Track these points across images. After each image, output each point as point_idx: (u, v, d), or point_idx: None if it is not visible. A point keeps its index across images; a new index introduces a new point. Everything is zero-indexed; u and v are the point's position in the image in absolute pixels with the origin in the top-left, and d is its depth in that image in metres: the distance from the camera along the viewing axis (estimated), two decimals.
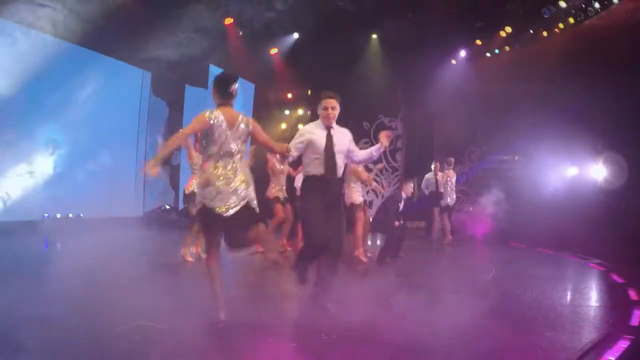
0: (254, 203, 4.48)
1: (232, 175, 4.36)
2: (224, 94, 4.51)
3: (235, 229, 4.40)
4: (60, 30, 10.84)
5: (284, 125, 16.68)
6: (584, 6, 13.33)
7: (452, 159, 12.23)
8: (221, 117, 4.36)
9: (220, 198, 4.30)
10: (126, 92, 13.08)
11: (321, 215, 4.95)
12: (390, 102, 16.47)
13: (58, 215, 11.32)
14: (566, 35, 13.82)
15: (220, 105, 4.49)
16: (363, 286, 6.65)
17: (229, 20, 13.14)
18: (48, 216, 11.11)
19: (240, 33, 13.74)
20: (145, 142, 13.72)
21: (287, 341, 4.32)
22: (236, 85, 4.55)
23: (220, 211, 4.29)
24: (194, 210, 4.93)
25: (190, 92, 14.56)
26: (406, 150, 16.70)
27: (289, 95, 17.05)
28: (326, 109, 5.11)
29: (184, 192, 8.62)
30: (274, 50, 15.11)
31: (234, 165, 4.41)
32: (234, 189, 4.35)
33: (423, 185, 12.26)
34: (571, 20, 13.76)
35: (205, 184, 4.35)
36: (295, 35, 15.01)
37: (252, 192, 4.48)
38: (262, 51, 14.88)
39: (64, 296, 5.46)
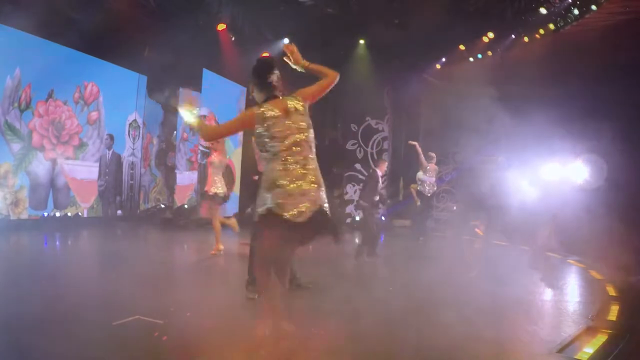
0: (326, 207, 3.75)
1: (300, 173, 3.70)
2: (263, 86, 4.00)
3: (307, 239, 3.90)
4: (58, 35, 10.98)
5: None
6: (563, 12, 13.78)
7: (433, 154, 12.73)
8: (272, 109, 3.80)
9: (290, 202, 3.61)
10: (123, 95, 13.37)
11: None
12: (377, 105, 16.75)
13: (57, 214, 11.66)
14: (547, 40, 14.26)
15: (265, 100, 3.93)
16: (344, 281, 6.81)
17: (221, 26, 13.40)
18: (47, 214, 11.41)
19: (233, 38, 14.06)
20: (141, 143, 14.08)
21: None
22: (275, 73, 4.03)
23: (290, 216, 3.58)
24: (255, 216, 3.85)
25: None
26: (392, 151, 17.12)
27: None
28: None
29: (205, 192, 8.90)
30: (265, 55, 15.36)
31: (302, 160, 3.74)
32: (304, 191, 3.65)
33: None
34: (551, 26, 14.19)
35: (272, 185, 3.67)
36: (286, 40, 15.31)
37: (323, 195, 3.76)
38: (254, 55, 15.09)
39: (63, 292, 5.52)
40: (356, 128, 16.86)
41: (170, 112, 14.55)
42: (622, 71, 11.82)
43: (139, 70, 13.50)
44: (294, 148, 3.71)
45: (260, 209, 3.70)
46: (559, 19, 13.78)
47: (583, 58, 12.61)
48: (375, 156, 16.48)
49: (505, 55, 15.20)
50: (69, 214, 11.85)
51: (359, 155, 16.85)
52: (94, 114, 12.55)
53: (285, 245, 3.79)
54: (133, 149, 13.83)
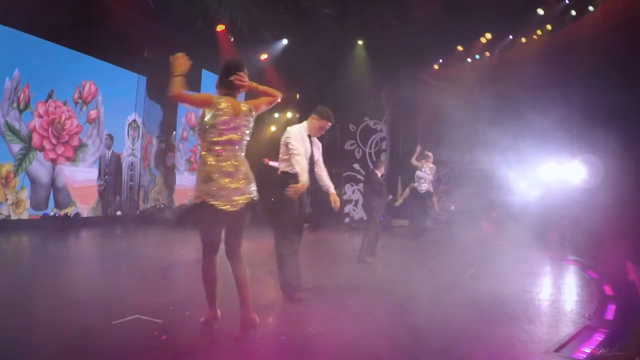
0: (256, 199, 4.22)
1: (233, 170, 4.13)
2: (224, 83, 4.30)
3: (237, 229, 4.23)
4: (57, 35, 11.05)
5: (273, 128, 17.01)
6: (561, 14, 13.83)
7: (430, 153, 12.81)
8: (226, 103, 4.15)
9: (222, 194, 4.05)
10: (122, 96, 13.42)
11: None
12: (375, 105, 16.81)
13: (57, 214, 11.67)
14: (544, 41, 14.31)
15: (224, 95, 4.26)
16: (342, 281, 6.84)
17: (220, 27, 13.43)
18: (47, 214, 11.45)
19: (232, 39, 14.09)
20: (140, 144, 14.13)
21: (274, 335, 4.40)
22: (239, 75, 4.30)
23: (223, 207, 4.04)
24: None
25: None
26: (390, 151, 17.17)
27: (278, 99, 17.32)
28: (324, 127, 6.34)
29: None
30: (264, 56, 15.40)
31: (236, 156, 4.19)
32: (235, 186, 4.09)
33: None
34: (549, 27, 14.25)
35: (207, 177, 4.08)
36: (285, 41, 15.36)
37: (252, 188, 4.22)
38: (253, 56, 15.16)
39: (62, 291, 5.53)
40: (354, 128, 16.92)
41: (170, 112, 14.60)
42: (619, 72, 11.87)
43: (138, 71, 13.57)
44: (228, 146, 4.15)
45: (196, 199, 4.12)
46: (556, 20, 13.82)
47: (580, 59, 12.64)
48: (373, 156, 16.55)
49: (502, 56, 15.25)
50: (69, 214, 11.88)
51: (358, 156, 16.91)
52: (93, 113, 12.59)
53: (217, 230, 4.21)
54: (132, 149, 13.89)
